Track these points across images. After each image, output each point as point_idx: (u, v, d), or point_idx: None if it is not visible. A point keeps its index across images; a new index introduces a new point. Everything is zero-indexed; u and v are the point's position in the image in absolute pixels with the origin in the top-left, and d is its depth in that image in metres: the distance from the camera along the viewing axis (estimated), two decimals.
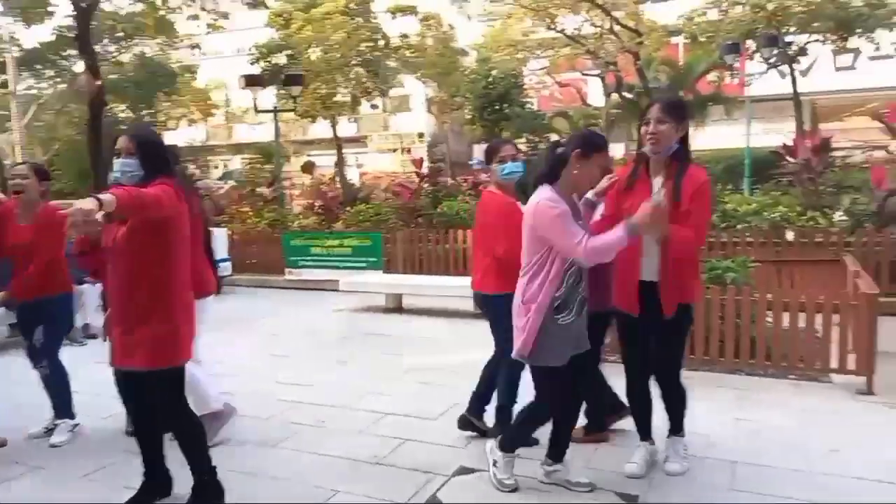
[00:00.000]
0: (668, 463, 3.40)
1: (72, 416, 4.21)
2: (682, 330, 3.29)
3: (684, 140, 3.08)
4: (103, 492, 3.40)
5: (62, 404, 4.19)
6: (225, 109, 29.84)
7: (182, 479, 3.19)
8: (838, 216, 8.01)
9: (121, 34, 19.12)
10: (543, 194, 2.94)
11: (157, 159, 2.99)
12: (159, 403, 3.10)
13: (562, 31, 17.86)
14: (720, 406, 4.30)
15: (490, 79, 16.75)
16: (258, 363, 5.72)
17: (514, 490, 3.25)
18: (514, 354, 3.08)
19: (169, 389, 3.04)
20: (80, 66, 16.89)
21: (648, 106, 3.10)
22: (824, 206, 8.28)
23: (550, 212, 2.85)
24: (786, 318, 4.90)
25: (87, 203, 2.40)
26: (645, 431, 3.49)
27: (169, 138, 24.93)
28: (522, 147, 13.16)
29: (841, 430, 3.93)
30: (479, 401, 4.02)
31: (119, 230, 2.92)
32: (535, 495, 3.26)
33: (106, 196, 2.50)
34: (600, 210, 3.27)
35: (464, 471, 3.54)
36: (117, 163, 2.96)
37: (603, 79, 20.27)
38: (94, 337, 6.84)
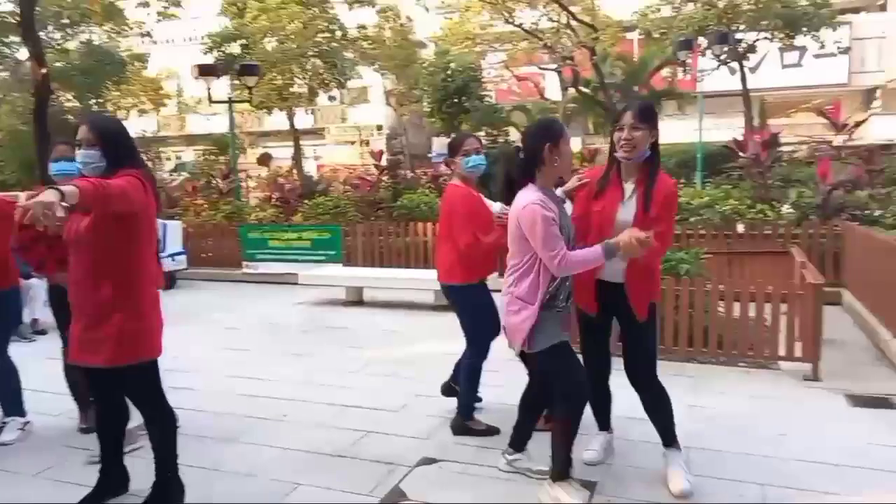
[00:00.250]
0: (673, 482, 3.16)
1: (22, 414, 4.08)
2: (652, 329, 3.26)
3: (655, 146, 3.08)
4: (55, 490, 3.32)
5: (12, 402, 4.06)
6: (177, 100, 29.13)
7: (137, 476, 3.15)
8: (786, 209, 8.29)
9: (66, 21, 18.44)
10: (531, 196, 2.89)
11: (121, 149, 2.87)
12: (135, 399, 3.03)
13: (519, 26, 17.98)
14: (674, 393, 4.33)
15: (448, 72, 16.72)
16: (216, 358, 5.63)
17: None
18: (515, 350, 3.09)
19: (142, 385, 2.97)
20: (23, 54, 16.24)
21: (621, 112, 3.07)
22: (772, 200, 8.57)
23: (536, 215, 2.82)
24: (737, 308, 5.06)
25: (49, 195, 2.28)
26: (603, 423, 3.56)
27: None
28: (482, 140, 13.20)
29: (789, 416, 4.09)
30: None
31: (82, 222, 2.81)
32: (496, 484, 3.30)
33: (68, 188, 2.39)
34: (569, 209, 3.24)
35: (426, 461, 3.56)
36: (79, 154, 2.84)
37: (560, 73, 20.49)
38: (43, 332, 6.63)
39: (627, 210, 3.07)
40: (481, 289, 3.92)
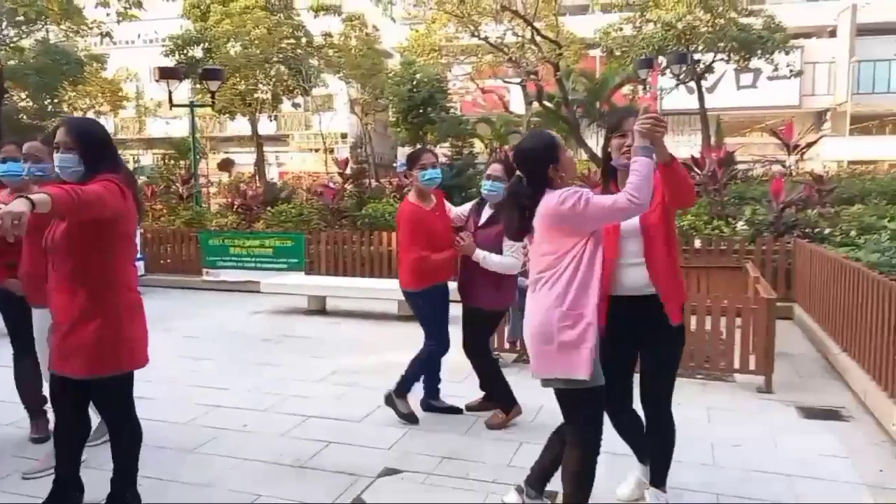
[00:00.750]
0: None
1: None
2: (679, 348, 2.95)
3: None
4: (10, 500, 3.21)
5: None
6: (136, 102, 28.55)
7: (91, 487, 3.07)
8: (740, 225, 8.54)
9: (21, 18, 17.93)
10: (557, 192, 2.65)
11: (100, 153, 2.78)
12: (104, 409, 2.97)
13: (485, 39, 18.20)
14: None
15: (414, 82, 16.82)
16: (174, 366, 5.51)
17: None
18: (569, 376, 2.61)
19: (113, 397, 2.90)
20: None
21: (622, 118, 2.86)
22: (728, 216, 8.82)
23: (574, 198, 2.58)
24: (693, 321, 5.19)
25: (19, 205, 2.22)
26: (641, 454, 3.20)
27: None
28: (447, 152, 13.27)
29: (743, 426, 4.21)
30: (431, 384, 4.43)
31: (58, 227, 2.74)
32: (458, 494, 3.31)
33: (39, 196, 2.32)
34: None
35: (389, 472, 3.56)
36: (56, 157, 2.76)
37: (524, 87, 20.79)
38: None
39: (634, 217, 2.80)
40: (441, 291, 4.21)
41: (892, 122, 32.17)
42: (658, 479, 3.03)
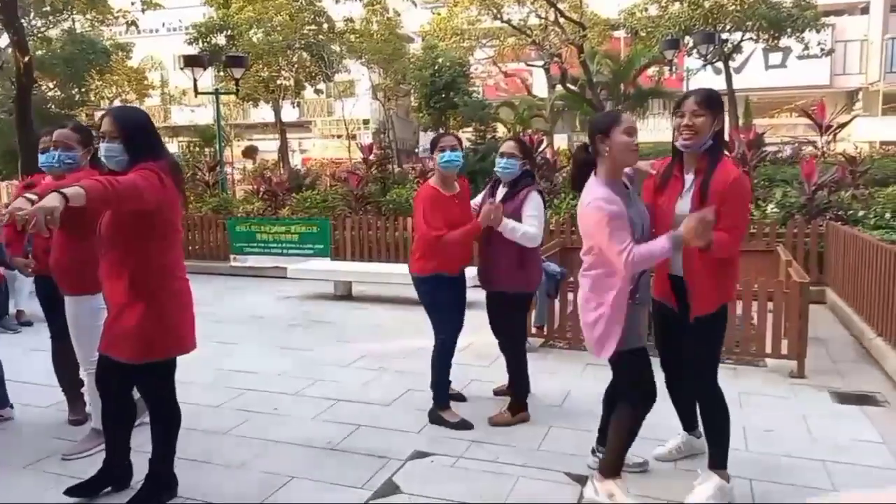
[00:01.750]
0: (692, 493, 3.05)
1: (2, 406, 4.03)
2: (714, 332, 3.03)
3: (719, 135, 2.90)
4: (49, 480, 3.29)
5: None
6: (161, 90, 28.82)
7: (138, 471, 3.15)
8: (771, 208, 8.38)
9: (48, 8, 18.16)
10: (596, 192, 2.80)
11: (144, 142, 2.82)
12: (147, 394, 3.04)
13: (507, 22, 18.02)
14: (663, 388, 4.46)
15: (436, 67, 16.71)
16: (204, 350, 5.46)
17: None
18: (601, 354, 2.91)
19: (156, 382, 2.98)
20: (4, 41, 15.96)
21: (682, 98, 2.91)
22: (758, 199, 8.66)
23: (598, 214, 2.73)
24: None
25: (51, 200, 2.28)
26: (687, 423, 3.45)
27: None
28: (469, 136, 13.19)
29: (775, 412, 4.15)
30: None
31: (106, 216, 2.81)
32: (488, 478, 3.32)
33: (72, 190, 2.37)
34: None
35: (418, 455, 3.58)
36: (101, 147, 2.82)
37: (547, 70, 20.57)
38: (28, 324, 6.55)
39: (686, 203, 2.90)
40: (443, 279, 3.98)
41: None
42: (713, 459, 3.09)
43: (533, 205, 3.88)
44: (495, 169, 4.06)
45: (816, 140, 11.85)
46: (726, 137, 3.53)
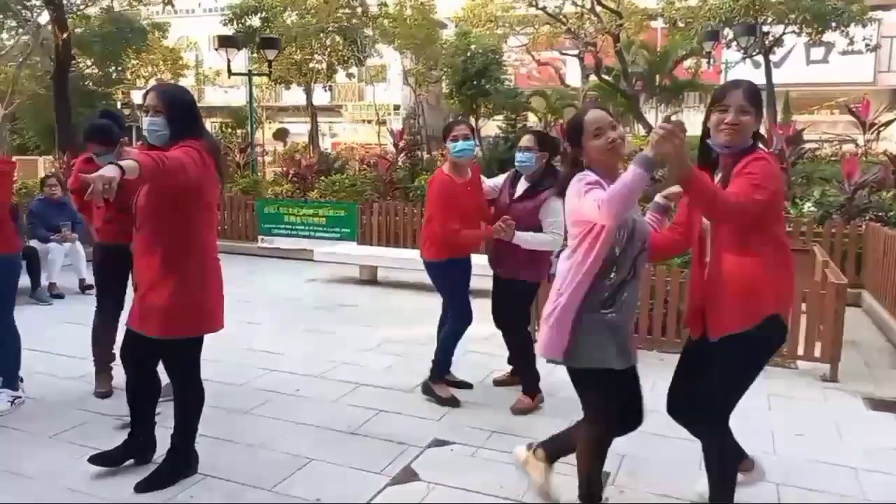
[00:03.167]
0: None
1: (15, 388, 3.95)
2: (726, 364, 2.52)
3: (757, 135, 2.55)
4: (72, 451, 3.35)
5: (10, 370, 3.95)
6: (196, 71, 29.08)
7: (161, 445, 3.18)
8: (808, 206, 8.16)
9: None
10: (580, 175, 2.55)
11: (186, 119, 2.88)
12: (171, 370, 3.07)
13: (542, 9, 17.78)
14: None
15: (469, 53, 16.56)
16: (230, 330, 5.45)
17: None
18: (542, 355, 2.64)
19: (183, 359, 3.01)
20: (44, 18, 16.23)
21: (725, 90, 2.51)
22: (795, 197, 8.44)
23: (577, 185, 2.49)
24: None
25: (110, 171, 2.35)
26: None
27: (138, 97, 24.12)
28: (501, 125, 13.07)
29: (806, 416, 4.04)
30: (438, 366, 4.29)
31: (142, 191, 2.85)
32: (507, 469, 3.28)
33: (128, 162, 2.44)
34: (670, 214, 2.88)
35: (438, 443, 3.56)
36: (145, 121, 2.88)
37: (581, 59, 20.29)
38: (60, 296, 6.67)
39: None
40: (456, 263, 4.10)
41: None
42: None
43: (553, 210, 3.83)
44: (515, 162, 4.03)
45: (858, 138, 11.51)
46: (763, 132, 2.98)
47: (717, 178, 2.56)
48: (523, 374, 4.15)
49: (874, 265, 6.81)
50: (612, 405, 2.64)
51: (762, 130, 2.82)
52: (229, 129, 21.95)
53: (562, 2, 17.66)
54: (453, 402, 4.09)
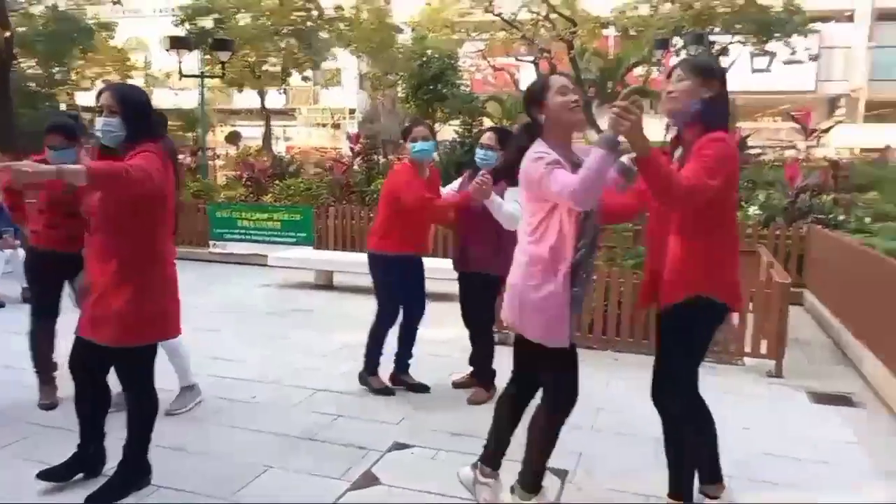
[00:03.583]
0: None
1: None
2: (678, 331, 2.63)
3: (712, 102, 2.48)
4: (18, 465, 3.22)
5: None
6: (145, 72, 28.36)
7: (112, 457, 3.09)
8: (753, 210, 8.45)
9: None
10: (535, 147, 2.55)
11: (142, 120, 2.79)
12: (125, 380, 2.97)
13: (499, 15, 17.94)
14: (643, 386, 4.46)
15: (425, 58, 16.58)
16: (182, 337, 5.50)
17: None
18: (539, 338, 2.58)
19: (137, 367, 2.92)
20: None
21: (672, 68, 2.58)
22: (741, 201, 8.72)
23: (536, 165, 2.45)
24: None
25: (40, 167, 2.31)
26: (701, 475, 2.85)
27: (82, 100, 23.40)
28: (457, 129, 13.12)
29: (753, 410, 4.18)
30: (401, 359, 4.43)
31: (94, 196, 2.75)
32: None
33: (71, 167, 2.37)
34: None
35: (398, 447, 3.55)
36: (98, 121, 2.76)
37: (536, 65, 20.52)
38: (1, 305, 6.42)
39: None
40: (405, 260, 4.19)
41: None
42: (671, 483, 2.77)
43: (514, 191, 3.89)
44: (475, 159, 4.13)
45: (799, 144, 11.98)
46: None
47: (678, 154, 2.60)
48: (483, 368, 4.23)
49: (815, 265, 7.10)
50: (573, 380, 2.70)
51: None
52: (180, 133, 21.50)
53: (517, 9, 17.88)
54: (388, 392, 4.26)
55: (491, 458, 2.93)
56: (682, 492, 2.74)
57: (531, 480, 2.77)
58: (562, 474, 3.24)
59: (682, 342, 2.66)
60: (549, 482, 3.04)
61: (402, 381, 4.39)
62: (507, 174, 3.92)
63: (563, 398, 2.70)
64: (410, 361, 4.44)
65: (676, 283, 2.56)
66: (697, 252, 2.53)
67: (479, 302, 4.20)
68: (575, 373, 2.72)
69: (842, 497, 3.14)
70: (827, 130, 11.91)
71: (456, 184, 4.34)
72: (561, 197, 2.40)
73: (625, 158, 2.70)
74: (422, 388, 4.36)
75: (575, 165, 2.50)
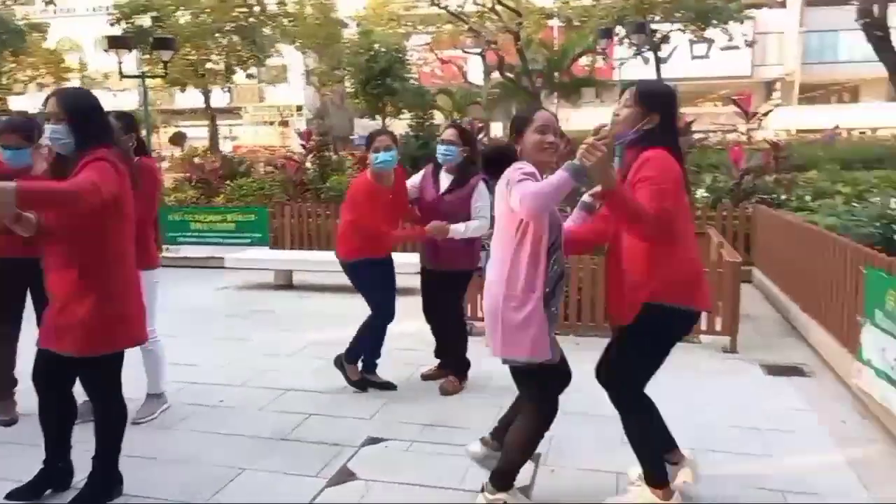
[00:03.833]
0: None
1: None
2: (631, 337, 2.71)
3: (649, 134, 2.60)
4: None
5: None
6: (80, 74, 27.39)
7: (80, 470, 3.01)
8: (701, 193, 8.73)
9: None
10: (515, 164, 2.62)
11: (91, 126, 2.71)
12: (91, 390, 2.90)
13: (444, 8, 17.98)
14: None
15: (373, 52, 16.51)
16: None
17: None
18: (525, 358, 2.60)
19: (104, 377, 2.85)
20: None
21: (624, 88, 2.75)
22: (689, 184, 8.99)
23: (514, 173, 2.53)
24: None
25: None
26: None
27: (15, 104, 22.43)
28: (409, 123, 13.11)
29: (710, 384, 4.36)
30: (370, 359, 4.41)
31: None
32: (442, 460, 3.35)
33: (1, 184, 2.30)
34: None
35: (372, 441, 3.57)
36: (46, 128, 2.69)
37: (484, 57, 20.67)
38: None
39: None
40: (377, 264, 4.18)
41: (838, 91, 33.16)
42: (643, 472, 2.84)
43: (481, 194, 4.05)
44: (437, 155, 4.16)
45: (740, 127, 12.40)
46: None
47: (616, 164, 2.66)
48: (457, 359, 4.30)
49: (762, 244, 7.38)
50: (556, 393, 2.78)
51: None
52: (121, 135, 20.88)
53: (463, 1, 17.95)
54: (360, 386, 4.26)
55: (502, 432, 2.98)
56: (658, 478, 2.80)
57: (505, 480, 2.81)
58: (535, 457, 3.31)
59: (647, 349, 2.74)
60: (523, 467, 3.11)
61: (370, 381, 4.38)
62: (471, 171, 4.03)
63: (548, 408, 2.77)
64: (378, 361, 4.44)
65: (631, 300, 2.63)
66: (658, 260, 2.60)
67: (451, 298, 4.28)
68: (561, 384, 2.80)
69: (799, 459, 3.31)
70: (767, 114, 12.38)
71: (417, 178, 4.34)
72: (517, 203, 2.45)
73: (586, 196, 2.84)
74: (389, 387, 4.36)
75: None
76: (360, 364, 4.34)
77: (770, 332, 5.59)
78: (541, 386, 2.75)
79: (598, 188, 2.78)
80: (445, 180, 4.15)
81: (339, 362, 4.32)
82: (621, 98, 2.73)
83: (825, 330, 4.83)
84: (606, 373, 2.85)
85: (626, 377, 2.79)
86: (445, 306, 4.29)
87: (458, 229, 3.99)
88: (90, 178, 2.54)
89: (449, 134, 4.13)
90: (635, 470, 2.93)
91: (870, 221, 5.25)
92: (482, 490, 2.84)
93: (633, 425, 2.82)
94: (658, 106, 2.65)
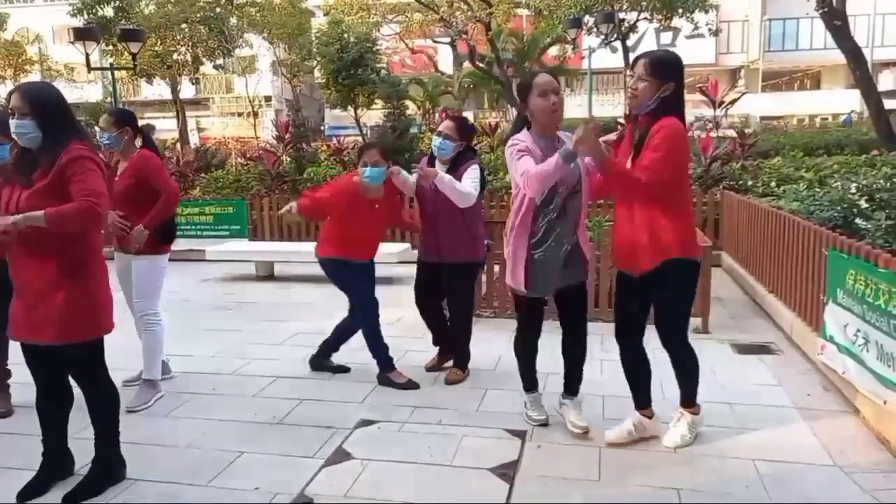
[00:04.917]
0: (667, 435, 3.39)
1: None
2: (669, 288, 3.12)
3: (667, 101, 2.94)
4: None
5: None
6: (41, 66, 26.73)
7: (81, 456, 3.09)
8: None
9: None
10: (515, 135, 3.25)
11: (58, 120, 2.74)
12: (79, 377, 2.95)
13: None
14: (588, 350, 4.79)
15: (343, 42, 16.42)
16: (129, 335, 5.39)
17: (545, 424, 3.58)
18: (508, 283, 3.42)
19: (88, 363, 2.91)
20: None
21: (636, 60, 3.00)
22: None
23: (510, 150, 3.16)
24: None
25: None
26: (636, 400, 3.46)
27: None
28: (381, 113, 13.13)
29: None
30: (328, 346, 4.54)
31: (20, 194, 2.70)
32: (434, 439, 3.50)
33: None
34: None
35: (364, 423, 3.70)
36: (12, 123, 2.71)
37: (454, 47, 20.74)
38: None
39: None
40: (356, 266, 4.22)
41: (801, 78, 33.95)
42: (682, 396, 3.42)
43: (472, 172, 4.09)
44: (433, 147, 4.23)
45: (706, 115, 12.70)
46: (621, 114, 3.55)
47: (636, 137, 3.05)
48: (461, 350, 4.37)
49: (730, 229, 7.66)
50: (524, 319, 3.56)
51: (621, 112, 3.50)
52: (88, 128, 20.51)
53: None
54: (412, 385, 4.20)
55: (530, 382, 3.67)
56: (692, 400, 3.41)
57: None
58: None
59: (681, 297, 3.22)
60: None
61: (323, 365, 4.50)
62: (464, 159, 4.21)
63: (519, 330, 3.63)
64: (334, 355, 4.55)
65: (655, 250, 3.03)
66: (668, 220, 3.01)
67: (460, 289, 4.33)
68: (526, 315, 3.55)
69: (768, 430, 3.53)
70: (734, 102, 12.69)
71: (413, 178, 4.40)
72: (520, 181, 3.07)
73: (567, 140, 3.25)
74: (342, 370, 4.49)
75: (550, 148, 3.13)
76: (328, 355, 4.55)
77: (739, 314, 5.85)
78: (516, 307, 3.59)
79: (609, 137, 3.37)
80: (441, 169, 4.22)
81: (382, 378, 4.27)
82: (633, 70, 2.99)
83: (791, 310, 5.09)
84: (658, 328, 3.30)
85: (680, 323, 3.30)
86: (455, 296, 4.34)
87: (445, 178, 3.96)
88: (93, 189, 2.64)
89: (446, 127, 4.15)
90: (630, 419, 3.45)
91: (831, 205, 5.51)
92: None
93: (686, 358, 3.35)
94: (671, 74, 2.96)
